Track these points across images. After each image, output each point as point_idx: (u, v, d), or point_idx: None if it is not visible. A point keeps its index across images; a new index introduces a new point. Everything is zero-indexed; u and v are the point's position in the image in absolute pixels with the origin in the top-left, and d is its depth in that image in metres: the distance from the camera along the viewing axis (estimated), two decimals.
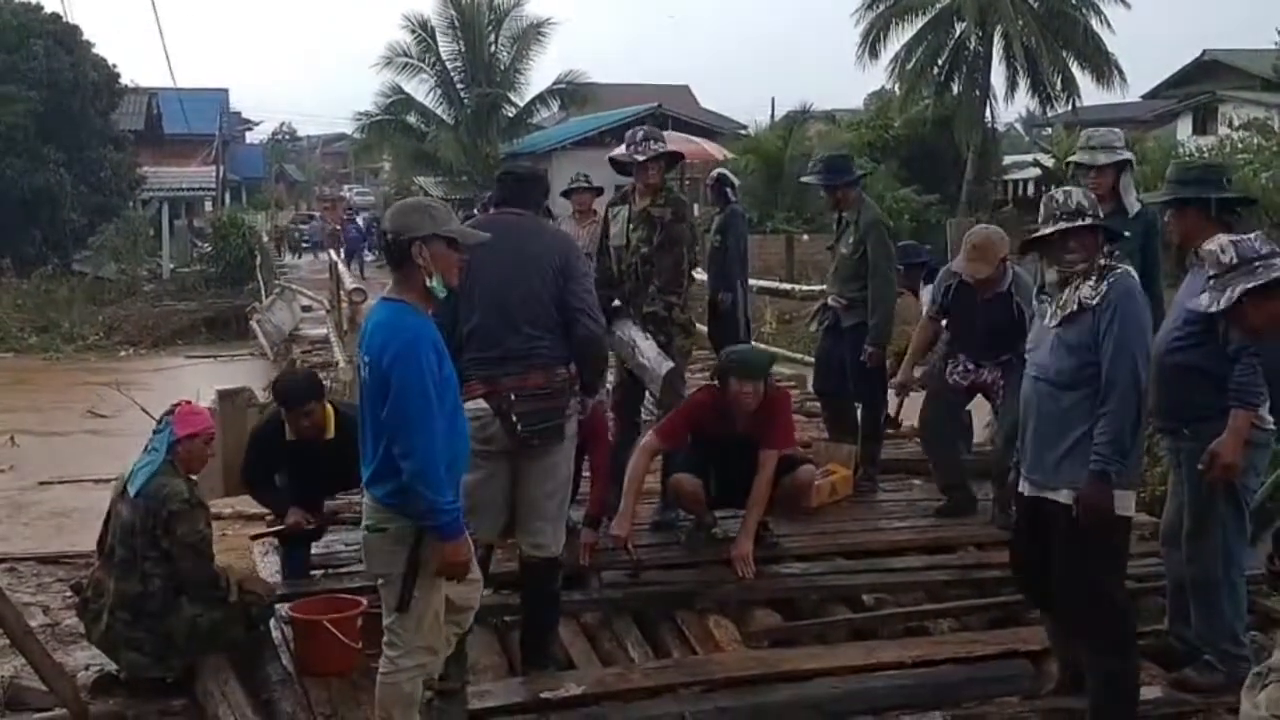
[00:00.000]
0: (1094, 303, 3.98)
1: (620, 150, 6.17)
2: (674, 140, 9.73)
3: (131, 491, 4.70)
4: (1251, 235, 3.86)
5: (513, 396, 4.47)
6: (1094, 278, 4.03)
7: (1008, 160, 35.18)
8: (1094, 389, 3.97)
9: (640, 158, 5.87)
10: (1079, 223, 4.01)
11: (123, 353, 20.34)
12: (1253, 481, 4.50)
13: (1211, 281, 3.74)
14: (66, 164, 25.95)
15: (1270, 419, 4.51)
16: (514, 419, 4.46)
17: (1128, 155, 5.75)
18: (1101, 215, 4.12)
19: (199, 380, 12.51)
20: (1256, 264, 3.70)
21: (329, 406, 5.36)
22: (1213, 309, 3.67)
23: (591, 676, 4.66)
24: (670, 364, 5.60)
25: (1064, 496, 4.05)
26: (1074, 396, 4.03)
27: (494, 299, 4.54)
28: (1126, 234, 4.22)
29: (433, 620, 3.82)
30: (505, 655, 4.93)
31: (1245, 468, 4.37)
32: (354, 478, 5.05)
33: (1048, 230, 4.09)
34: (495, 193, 4.92)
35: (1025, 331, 4.95)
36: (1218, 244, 3.76)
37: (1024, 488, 4.23)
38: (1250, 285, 3.55)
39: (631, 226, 5.95)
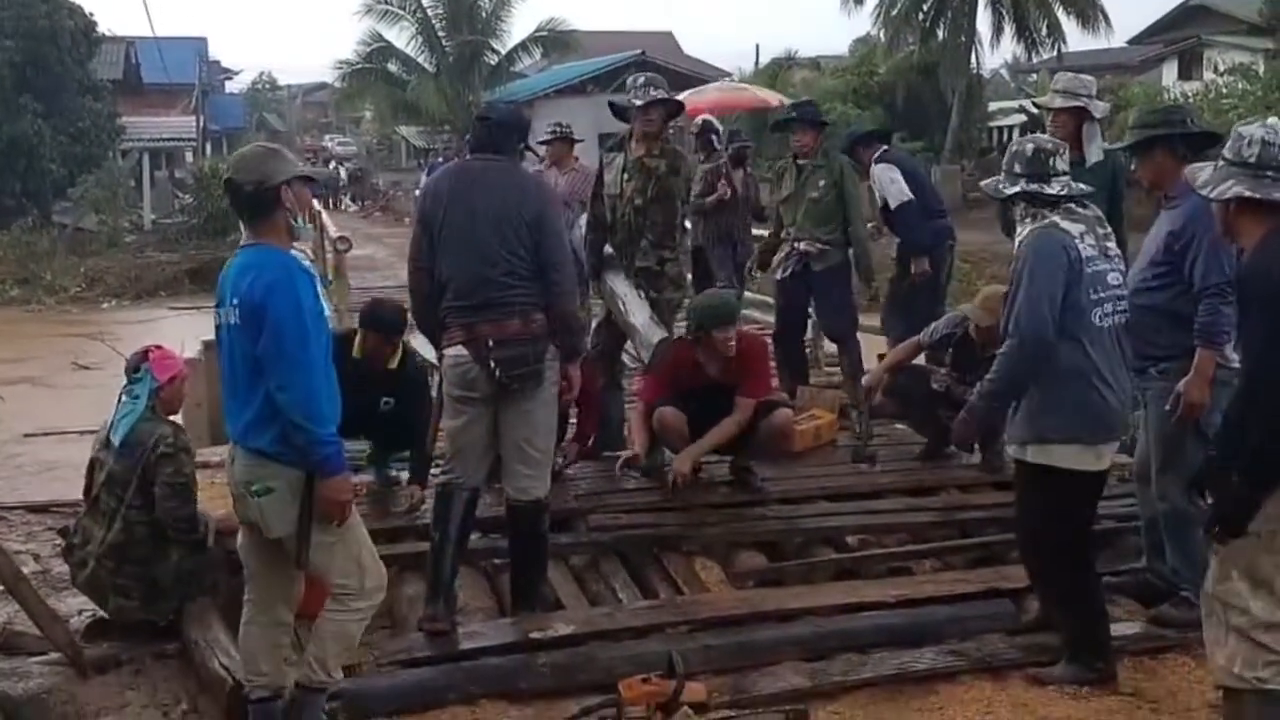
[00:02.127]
0: (1015, 255, 4.14)
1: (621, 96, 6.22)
2: (726, 90, 9.90)
3: (116, 441, 4.72)
4: None
5: (490, 343, 4.47)
6: (1021, 227, 4.18)
7: (993, 107, 35.12)
8: None
9: (638, 102, 5.88)
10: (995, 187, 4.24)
11: (105, 304, 20.24)
12: (1217, 418, 4.57)
13: (1220, 164, 3.43)
14: (44, 114, 25.64)
15: (1235, 357, 4.58)
16: (492, 365, 4.47)
17: (1083, 103, 5.74)
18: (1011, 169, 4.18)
19: (183, 331, 12.46)
20: (1269, 175, 3.32)
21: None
22: (1204, 191, 3.44)
23: (580, 617, 4.72)
24: (662, 333, 5.65)
25: (1012, 450, 4.27)
26: None
27: (467, 247, 4.52)
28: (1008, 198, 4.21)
29: (370, 557, 3.83)
30: (495, 597, 5.00)
31: (1211, 406, 4.44)
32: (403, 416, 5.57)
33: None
34: (471, 137, 4.87)
35: None
36: (1250, 133, 3.37)
37: None
38: (1245, 194, 3.29)
39: (626, 176, 5.96)
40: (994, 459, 6.17)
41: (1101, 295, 4.07)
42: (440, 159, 13.16)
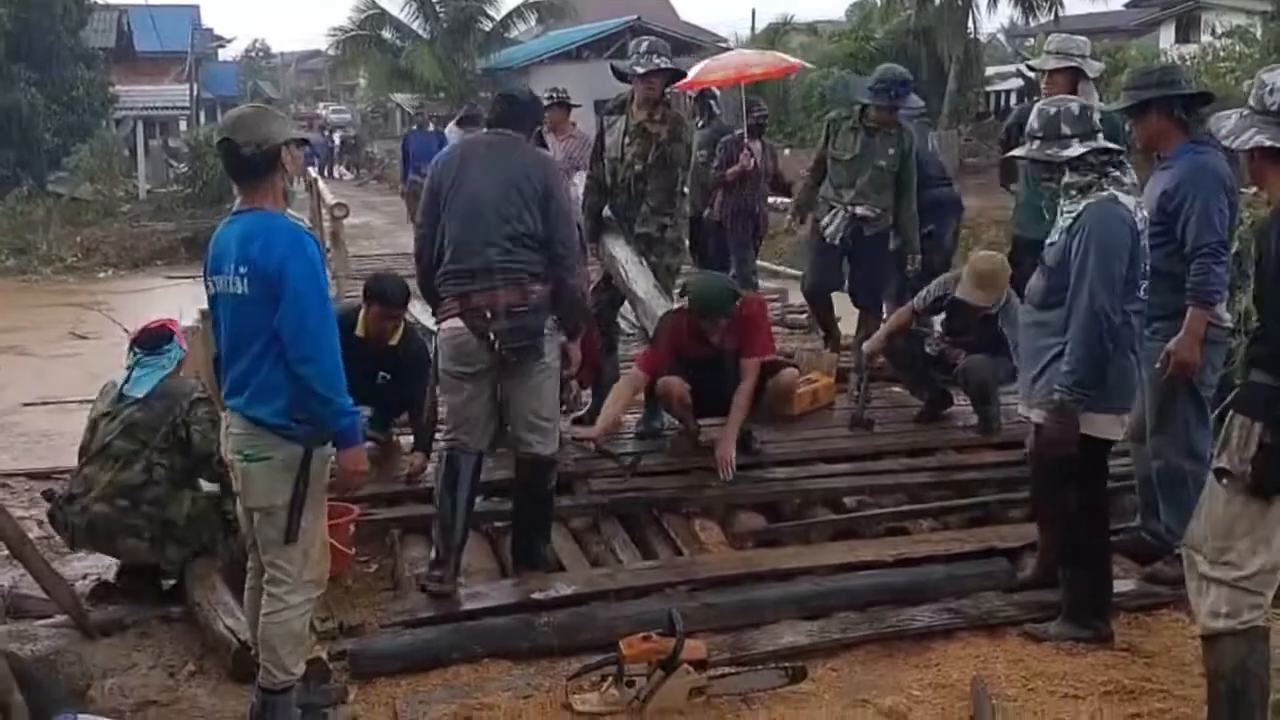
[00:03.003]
0: (1068, 225, 4.03)
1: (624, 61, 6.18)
2: (748, 60, 9.64)
3: (140, 394, 4.77)
4: None
5: (488, 314, 4.47)
6: (1070, 201, 4.06)
7: (990, 71, 34.87)
8: (1062, 312, 4.03)
9: (640, 70, 5.85)
10: (1012, 151, 4.15)
11: (102, 274, 20.19)
12: (1210, 377, 4.61)
13: (1245, 111, 3.31)
14: (38, 83, 25.47)
15: (1227, 316, 4.63)
16: (492, 337, 4.47)
17: (1077, 63, 5.73)
18: (1058, 132, 4.06)
19: (180, 300, 12.48)
20: None
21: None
22: (1227, 141, 3.33)
23: (581, 577, 4.77)
24: (667, 304, 5.61)
25: (1035, 416, 4.18)
26: (1045, 317, 4.12)
27: (472, 213, 4.52)
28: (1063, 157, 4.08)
29: (320, 551, 3.71)
30: (497, 559, 5.04)
31: (1203, 364, 4.49)
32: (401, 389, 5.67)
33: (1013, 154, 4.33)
34: (490, 113, 4.90)
35: (1005, 345, 5.58)
36: (1274, 80, 3.23)
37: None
38: (1266, 144, 3.18)
39: (627, 140, 5.95)
40: (990, 421, 6.23)
41: (1145, 267, 4.04)
42: (414, 127, 13.02)
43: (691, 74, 9.84)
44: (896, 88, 6.84)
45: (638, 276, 5.88)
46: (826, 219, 7.05)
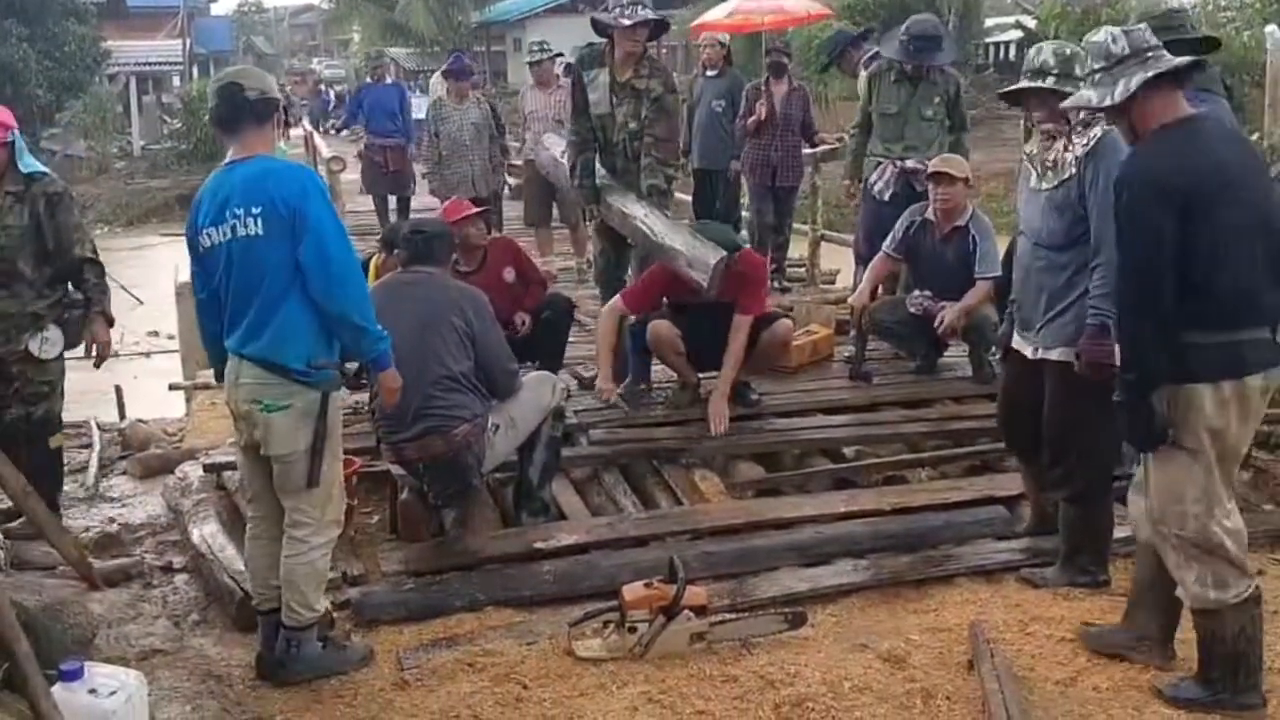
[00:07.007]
0: (1078, 158, 3.99)
1: (604, 15, 6.04)
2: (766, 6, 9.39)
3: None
4: (1142, 25, 3.49)
5: (421, 469, 4.61)
6: (1078, 136, 4.01)
7: (989, 23, 34.60)
8: (1085, 248, 3.98)
9: (626, 22, 5.75)
10: (1037, 84, 4.05)
11: (97, 231, 20.10)
12: None
13: (1098, 76, 3.40)
14: (29, 38, 25.28)
15: None
16: (426, 488, 4.68)
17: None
18: (1077, 72, 3.95)
19: (176, 257, 12.43)
20: (1148, 54, 3.33)
21: None
22: (1106, 103, 3.36)
23: (583, 526, 4.81)
24: (721, 254, 5.41)
25: (1057, 354, 4.12)
26: (1068, 257, 4.06)
27: (396, 361, 4.56)
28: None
29: (339, 493, 3.79)
30: (499, 510, 5.08)
31: None
32: None
33: (1010, 88, 4.20)
34: (403, 251, 4.92)
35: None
36: (1108, 33, 3.38)
37: (1020, 346, 4.30)
38: (1148, 75, 3.25)
39: (615, 100, 5.87)
40: (984, 368, 6.24)
41: None
42: (370, 80, 11.82)
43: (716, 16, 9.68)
44: (918, 43, 6.75)
45: (668, 231, 5.62)
46: (875, 175, 6.95)
